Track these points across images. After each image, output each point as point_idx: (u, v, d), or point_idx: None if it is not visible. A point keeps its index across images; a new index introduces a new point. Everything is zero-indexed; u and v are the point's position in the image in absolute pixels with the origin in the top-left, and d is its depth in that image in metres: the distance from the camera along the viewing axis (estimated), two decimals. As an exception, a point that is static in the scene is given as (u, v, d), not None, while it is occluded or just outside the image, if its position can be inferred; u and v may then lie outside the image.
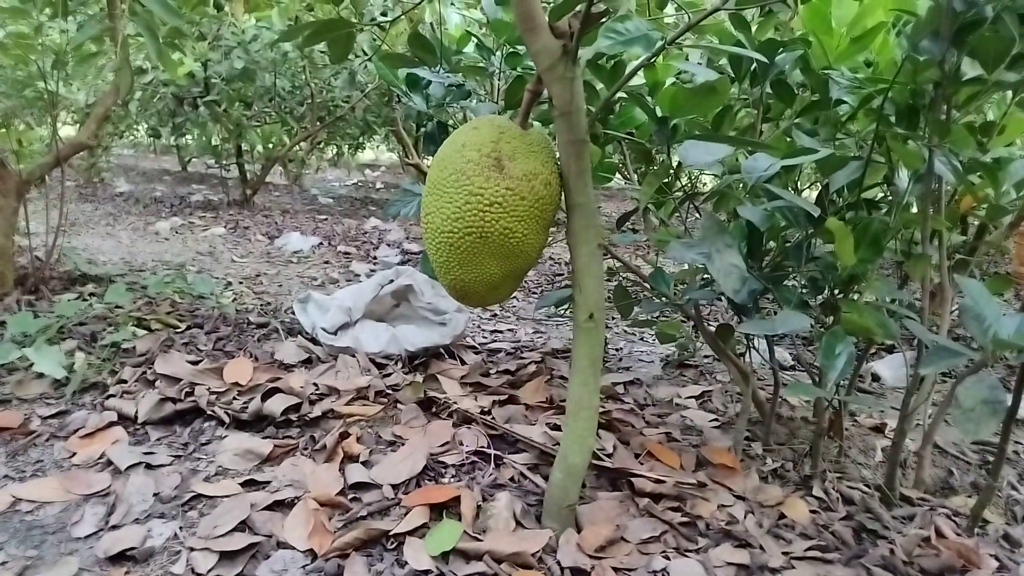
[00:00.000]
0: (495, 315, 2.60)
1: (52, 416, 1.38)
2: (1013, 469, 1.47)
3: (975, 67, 1.09)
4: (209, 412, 1.40)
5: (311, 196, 6.44)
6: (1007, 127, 1.27)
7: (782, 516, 1.20)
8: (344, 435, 1.33)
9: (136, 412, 1.38)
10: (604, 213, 6.07)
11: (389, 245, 3.98)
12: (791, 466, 1.39)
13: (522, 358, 1.91)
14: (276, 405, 1.41)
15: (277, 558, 0.99)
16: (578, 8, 0.89)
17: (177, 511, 1.10)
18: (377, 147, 9.78)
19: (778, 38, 1.25)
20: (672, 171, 1.37)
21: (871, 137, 1.14)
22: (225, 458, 1.25)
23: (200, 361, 1.62)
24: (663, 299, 1.40)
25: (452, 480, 1.23)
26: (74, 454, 1.25)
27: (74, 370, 1.51)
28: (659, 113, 1.27)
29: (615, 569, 1.01)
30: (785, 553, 1.08)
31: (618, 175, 1.64)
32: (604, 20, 0.92)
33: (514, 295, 2.91)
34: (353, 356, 1.74)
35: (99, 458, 1.24)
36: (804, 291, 1.27)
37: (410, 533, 1.05)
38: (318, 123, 4.97)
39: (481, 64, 1.48)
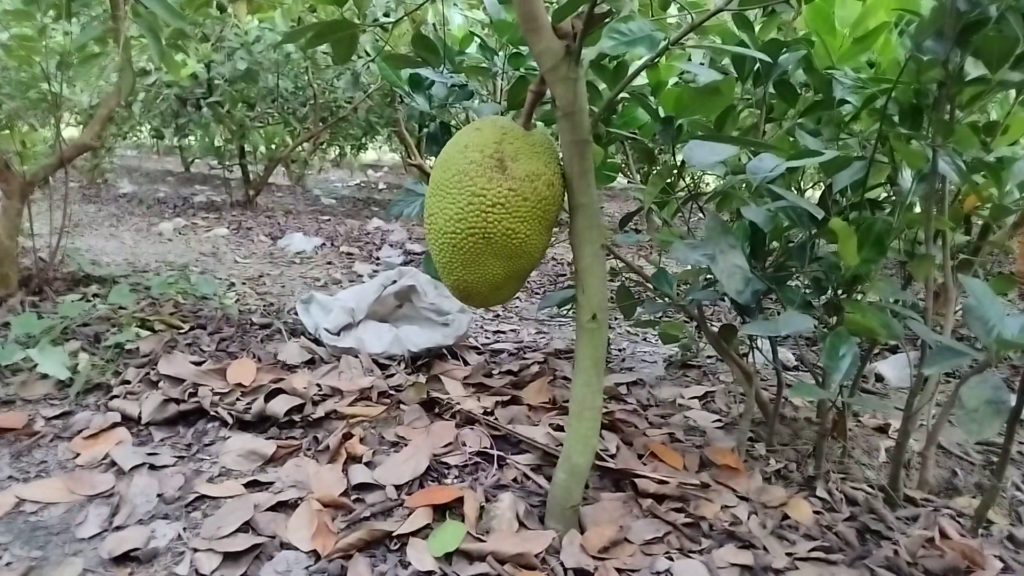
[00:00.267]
0: (498, 315, 2.60)
1: (56, 417, 1.38)
2: (1017, 470, 1.47)
3: (979, 67, 1.09)
4: (212, 413, 1.40)
5: (314, 197, 6.45)
6: (1011, 127, 1.27)
7: (786, 517, 1.20)
8: (347, 436, 1.33)
9: (140, 413, 1.38)
10: (607, 213, 6.07)
11: (392, 246, 3.98)
12: (794, 467, 1.39)
13: (525, 359, 1.91)
14: (279, 406, 1.41)
15: (281, 559, 0.99)
16: (581, 9, 0.89)
17: (181, 512, 1.10)
18: (380, 148, 9.79)
19: (781, 38, 1.25)
20: (676, 171, 1.37)
21: (874, 137, 1.14)
22: (228, 459, 1.26)
23: (203, 362, 1.62)
24: (666, 299, 1.40)
25: (455, 481, 1.23)
26: (78, 455, 1.25)
27: (78, 371, 1.51)
28: (663, 113, 1.27)
29: (618, 570, 1.01)
30: (789, 554, 1.08)
31: (620, 175, 1.64)
32: (607, 21, 0.92)
33: (516, 295, 2.91)
34: (356, 357, 1.74)
35: (103, 459, 1.24)
36: (807, 291, 1.27)
37: (413, 534, 1.05)
38: (321, 124, 4.98)
39: (484, 64, 1.48)
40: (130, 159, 9.00)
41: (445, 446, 1.33)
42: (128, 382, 1.52)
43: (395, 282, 1.94)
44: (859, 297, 1.26)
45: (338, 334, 1.81)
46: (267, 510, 1.10)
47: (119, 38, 1.83)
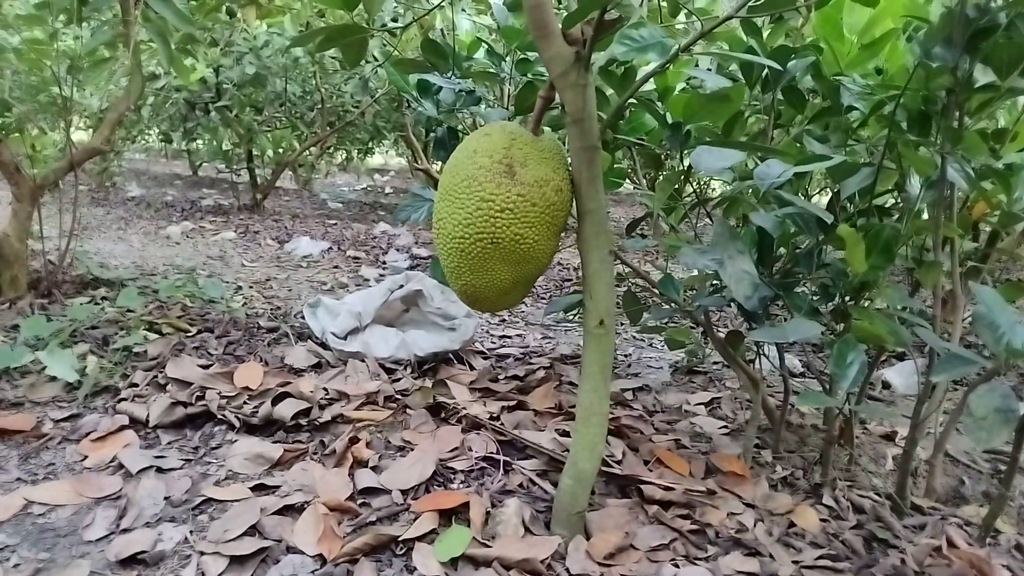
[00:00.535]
0: (504, 320, 2.61)
1: (64, 419, 1.39)
2: (1026, 478, 1.46)
3: (988, 74, 1.09)
4: (220, 416, 1.41)
5: (321, 201, 6.47)
6: (1020, 133, 1.27)
7: (792, 524, 1.19)
8: (354, 440, 1.34)
9: (147, 416, 1.39)
10: (613, 218, 6.06)
11: (398, 250, 3.99)
12: (801, 474, 1.38)
13: (531, 364, 1.91)
14: (286, 410, 1.41)
15: (287, 563, 0.99)
16: (591, 15, 0.89)
17: (187, 515, 1.11)
18: (386, 152, 9.82)
19: (789, 44, 1.25)
20: (683, 177, 1.37)
21: (882, 143, 1.14)
22: (235, 462, 1.26)
23: (211, 365, 1.63)
24: (672, 305, 1.40)
25: (461, 486, 1.23)
26: (86, 457, 1.26)
27: (86, 373, 1.52)
28: (670, 119, 1.27)
29: (624, 576, 1.01)
30: (795, 562, 1.08)
31: (627, 180, 1.64)
32: (617, 27, 0.92)
33: (523, 301, 2.92)
34: (363, 361, 1.74)
35: (110, 461, 1.25)
36: (815, 298, 1.27)
37: (419, 539, 1.05)
38: (328, 128, 5.00)
39: (491, 70, 1.49)
40: (138, 163, 9.05)
41: (451, 451, 1.33)
42: (136, 385, 1.52)
43: (402, 286, 1.94)
44: (867, 304, 1.26)
45: (345, 338, 1.82)
46: (273, 514, 1.10)
47: (129, 43, 1.84)
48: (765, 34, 1.37)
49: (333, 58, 4.54)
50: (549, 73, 0.96)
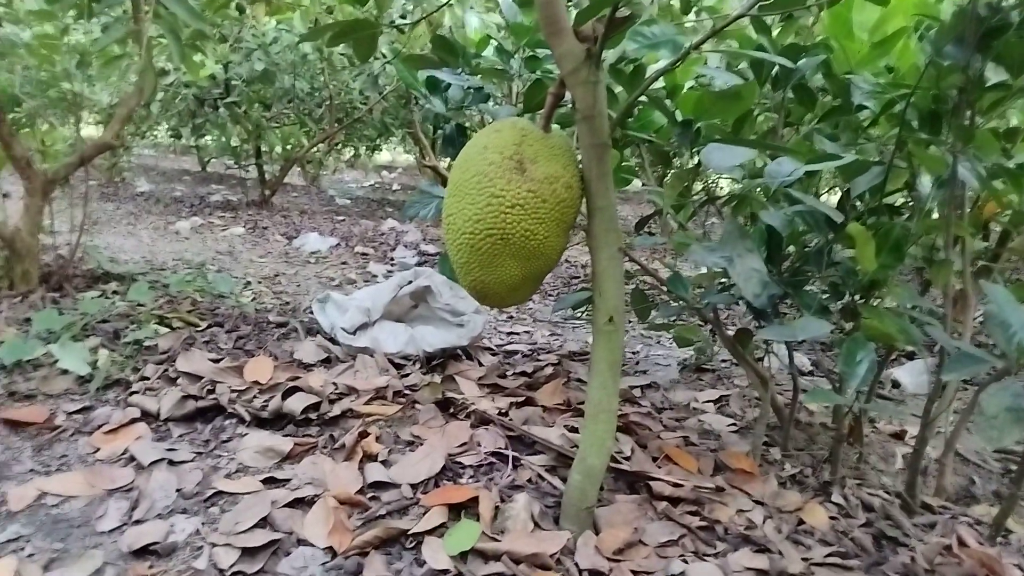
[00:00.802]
0: (511, 317, 2.61)
1: (77, 412, 1.40)
2: (1035, 478, 1.45)
3: (999, 72, 1.08)
4: (230, 410, 1.42)
5: (328, 197, 6.49)
6: (1032, 132, 1.26)
7: (801, 522, 1.19)
8: (363, 434, 1.34)
9: (159, 409, 1.40)
10: (621, 216, 6.05)
11: (406, 246, 4.00)
12: (810, 472, 1.38)
13: (539, 360, 1.92)
14: (296, 404, 1.42)
15: (297, 555, 1.00)
16: (602, 12, 0.90)
17: (199, 507, 1.12)
18: (394, 148, 9.83)
19: (799, 42, 1.25)
20: (692, 174, 1.37)
21: (893, 142, 1.14)
22: (246, 455, 1.27)
23: (221, 359, 1.64)
24: (681, 303, 1.40)
25: (470, 481, 1.24)
26: (98, 449, 1.27)
27: (98, 367, 1.53)
28: (680, 116, 1.27)
29: (633, 572, 1.01)
30: (804, 559, 1.08)
31: (636, 178, 1.64)
32: (628, 24, 0.92)
33: (531, 297, 2.92)
34: (372, 356, 1.75)
35: (122, 454, 1.26)
36: (824, 296, 1.27)
37: (429, 532, 1.06)
38: (336, 125, 5.01)
39: (500, 67, 1.49)
40: (147, 158, 9.09)
41: (460, 446, 1.34)
42: (147, 378, 1.54)
43: (411, 282, 1.95)
44: (877, 302, 1.26)
45: (354, 333, 1.82)
46: (284, 506, 1.11)
47: (140, 39, 1.85)
48: (775, 32, 1.37)
49: (342, 55, 4.55)
50: (560, 70, 0.96)
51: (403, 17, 3.55)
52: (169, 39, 1.95)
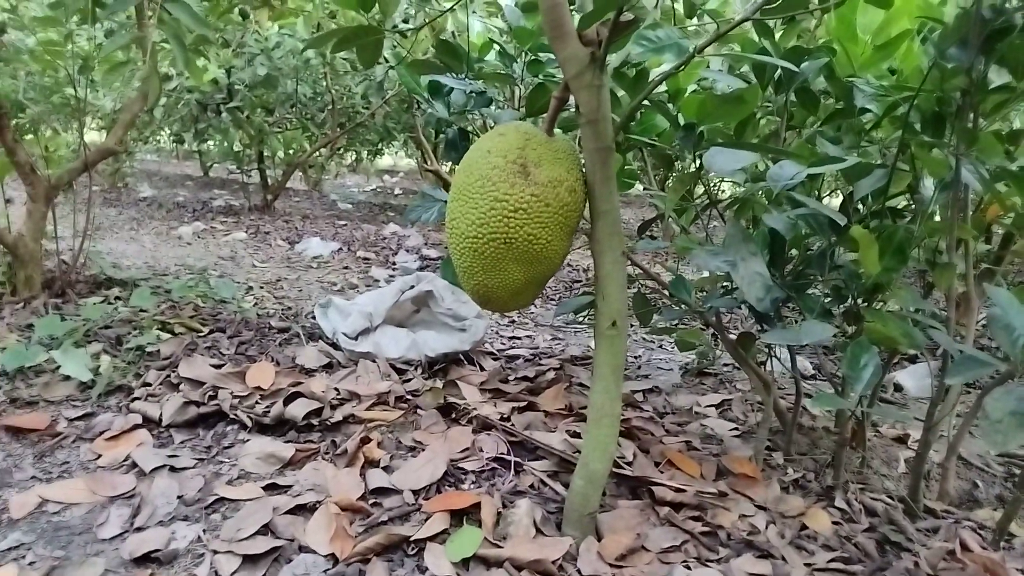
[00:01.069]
0: (513, 321, 2.61)
1: (78, 418, 1.40)
2: (1040, 482, 1.45)
3: (1003, 75, 1.08)
4: (232, 416, 1.42)
5: (331, 202, 6.49)
6: (1035, 135, 1.26)
7: (804, 527, 1.19)
8: (365, 440, 1.34)
9: (160, 415, 1.40)
10: (623, 220, 6.05)
11: (408, 251, 4.00)
12: (813, 476, 1.38)
13: (541, 365, 1.91)
14: (298, 409, 1.42)
15: (299, 562, 0.99)
16: (606, 16, 0.90)
17: (201, 514, 1.11)
18: (396, 153, 9.85)
19: (802, 45, 1.24)
20: (694, 178, 1.37)
21: (895, 145, 1.14)
22: (248, 462, 1.26)
23: (223, 365, 1.63)
24: (683, 307, 1.39)
25: (472, 486, 1.23)
26: (100, 456, 1.27)
27: (100, 373, 1.53)
28: (682, 120, 1.27)
29: (636, 578, 1.01)
30: (807, 564, 1.07)
31: (638, 182, 1.64)
32: (632, 28, 0.92)
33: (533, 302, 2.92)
34: (374, 361, 1.75)
35: (124, 460, 1.26)
36: (827, 300, 1.26)
37: (431, 539, 1.05)
38: (338, 129, 5.01)
39: (503, 71, 1.49)
40: (150, 163, 9.11)
41: (462, 451, 1.33)
42: (149, 384, 1.53)
43: (413, 287, 1.94)
44: (880, 306, 1.25)
45: (356, 338, 1.82)
46: (286, 513, 1.11)
47: (145, 45, 1.86)
48: (777, 35, 1.37)
49: (344, 59, 4.56)
50: (564, 74, 0.96)
51: (406, 22, 3.56)
52: (173, 44, 1.95)
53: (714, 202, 1.39)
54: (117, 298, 2.13)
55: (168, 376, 1.57)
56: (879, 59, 1.30)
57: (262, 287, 2.77)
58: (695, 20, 1.42)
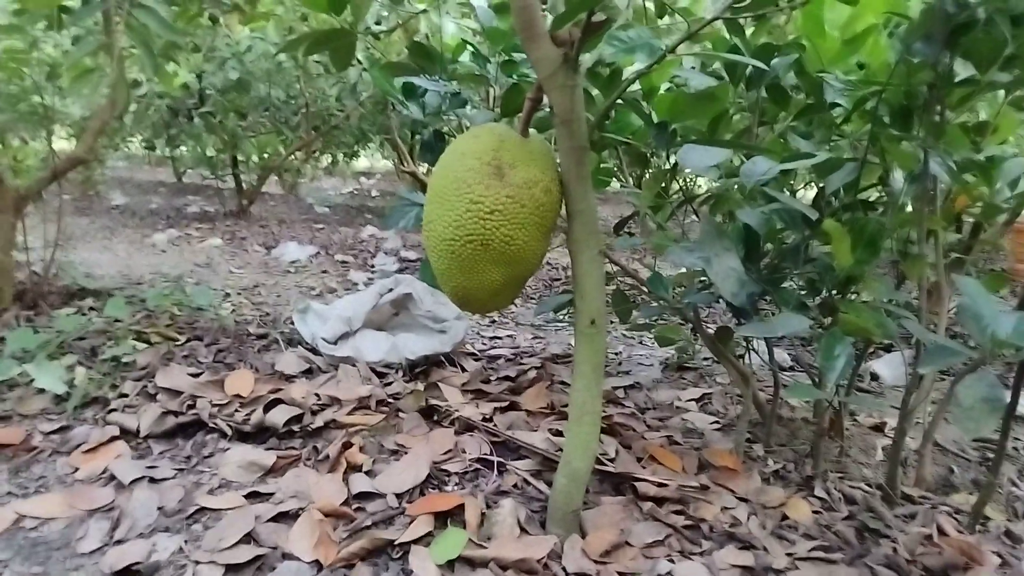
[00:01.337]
0: (494, 321, 2.61)
1: (54, 432, 1.38)
2: (1013, 465, 1.48)
3: (968, 68, 1.10)
4: (211, 425, 1.40)
5: (307, 205, 6.45)
6: (1000, 126, 1.29)
7: (785, 517, 1.20)
8: (347, 445, 1.33)
9: (138, 426, 1.38)
10: (601, 217, 6.08)
11: (386, 253, 3.98)
12: (792, 467, 1.39)
13: (522, 364, 1.92)
14: (278, 416, 1.41)
15: (283, 569, 0.99)
16: (578, 17, 0.90)
17: (182, 525, 1.10)
18: (372, 155, 9.79)
19: (772, 42, 1.26)
20: (669, 175, 1.38)
21: (866, 139, 1.15)
22: (228, 470, 1.25)
23: (201, 374, 1.62)
24: (662, 303, 1.40)
25: (456, 488, 1.23)
26: (77, 469, 1.25)
27: (75, 385, 1.51)
28: (656, 118, 1.28)
29: (620, 573, 1.01)
30: (789, 554, 1.09)
31: (614, 179, 1.65)
32: (604, 29, 0.92)
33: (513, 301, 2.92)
34: (354, 365, 1.74)
35: (102, 473, 1.24)
36: (802, 293, 1.28)
37: (415, 542, 1.05)
38: (313, 132, 4.98)
39: (477, 72, 1.49)
40: (121, 170, 8.97)
41: (445, 453, 1.33)
42: (126, 395, 1.51)
43: (391, 290, 1.94)
44: (853, 297, 1.27)
45: (335, 343, 1.81)
46: (268, 521, 1.10)
47: (112, 51, 1.83)
48: (748, 32, 1.38)
49: (317, 62, 4.52)
50: (537, 75, 0.96)
51: (379, 24, 3.54)
52: (141, 51, 1.93)
53: (689, 199, 1.40)
54: (91, 308, 2.10)
55: (145, 387, 1.55)
56: (847, 54, 1.32)
57: (239, 293, 2.75)
58: (666, 19, 1.43)
